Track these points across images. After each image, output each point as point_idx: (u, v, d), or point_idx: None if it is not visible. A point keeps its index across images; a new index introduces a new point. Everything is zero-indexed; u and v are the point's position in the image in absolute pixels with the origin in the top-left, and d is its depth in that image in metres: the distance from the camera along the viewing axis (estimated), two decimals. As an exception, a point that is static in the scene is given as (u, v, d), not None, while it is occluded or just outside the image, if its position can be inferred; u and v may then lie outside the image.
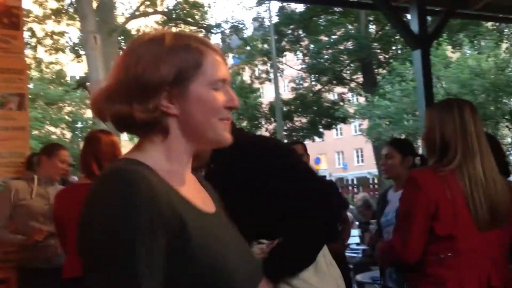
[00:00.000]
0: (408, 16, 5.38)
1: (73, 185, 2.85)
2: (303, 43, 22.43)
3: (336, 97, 23.32)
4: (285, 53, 23.11)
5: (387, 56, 21.30)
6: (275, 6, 21.91)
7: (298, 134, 21.44)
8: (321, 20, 22.20)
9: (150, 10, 20.98)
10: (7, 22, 3.58)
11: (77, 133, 20.63)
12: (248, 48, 22.82)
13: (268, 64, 22.28)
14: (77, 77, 23.22)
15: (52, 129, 19.79)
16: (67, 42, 22.99)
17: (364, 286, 5.54)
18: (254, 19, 24.32)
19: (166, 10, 21.04)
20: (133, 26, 23.11)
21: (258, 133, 19.35)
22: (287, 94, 24.39)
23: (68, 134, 20.89)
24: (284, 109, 21.07)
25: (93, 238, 0.95)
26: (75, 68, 23.94)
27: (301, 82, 22.87)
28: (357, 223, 6.65)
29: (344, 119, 20.97)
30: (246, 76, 24.48)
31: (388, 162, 3.28)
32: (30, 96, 17.71)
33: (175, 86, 1.05)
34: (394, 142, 3.45)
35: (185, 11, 21.44)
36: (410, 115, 15.64)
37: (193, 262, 1.00)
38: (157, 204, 0.96)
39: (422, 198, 2.00)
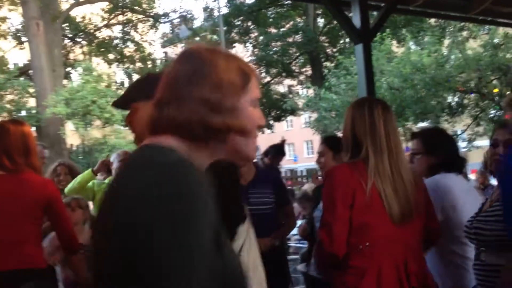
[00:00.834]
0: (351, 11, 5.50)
1: None
2: (252, 35, 22.51)
3: (286, 89, 23.54)
4: (234, 44, 23.11)
5: (334, 49, 21.66)
6: (225, -3, 21.88)
7: (248, 125, 21.49)
8: (270, 13, 22.33)
9: (96, -3, 20.50)
10: None
11: (20, 122, 19.89)
12: (197, 38, 22.65)
13: (217, 55, 22.20)
14: (20, 65, 22.41)
15: (-8, 118, 19.06)
16: (9, 28, 22.17)
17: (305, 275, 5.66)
18: (204, 9, 24.18)
19: (113, -3, 20.60)
20: (78, 13, 22.52)
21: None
22: (236, 85, 24.36)
23: (10, 124, 20.13)
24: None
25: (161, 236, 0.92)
26: (17, 55, 23.11)
27: (250, 74, 22.90)
28: (303, 214, 6.78)
29: (293, 111, 21.20)
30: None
31: (321, 160, 3.37)
32: (-32, 83, 17.02)
33: None
34: (326, 140, 3.53)
35: (132, -1, 21.07)
36: (355, 108, 15.93)
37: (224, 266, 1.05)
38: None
39: (340, 189, 2.09)
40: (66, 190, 4.02)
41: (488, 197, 2.50)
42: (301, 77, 22.98)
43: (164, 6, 56.66)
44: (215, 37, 22.12)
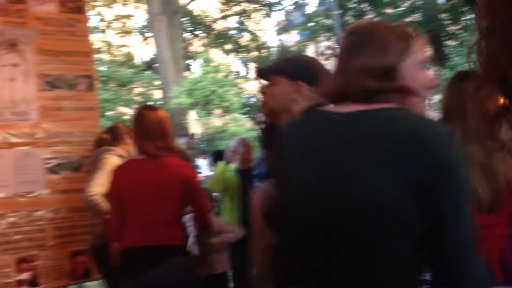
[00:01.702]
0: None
1: (132, 160, 2.98)
2: (368, 17, 21.89)
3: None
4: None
5: (456, 27, 20.42)
6: (339, -21, 21.47)
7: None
8: (386, -8, 21.57)
9: (213, -11, 21.13)
10: (72, 6, 3.77)
11: (147, 113, 21.18)
12: (311, 24, 22.54)
13: (333, 40, 21.96)
14: (145, 59, 23.89)
15: (124, 109, 20.54)
16: (134, 25, 23.67)
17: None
18: (317, -6, 23.96)
19: (228, -11, 21.12)
20: (197, 7, 23.42)
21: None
22: (352, 69, 23.93)
23: (139, 115, 21.52)
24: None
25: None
26: (143, 50, 24.64)
27: (366, 57, 22.36)
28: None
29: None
30: (310, 52, 24.25)
31: None
32: (103, 78, 18.44)
33: None
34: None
35: (247, -11, 21.44)
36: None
37: None
38: None
39: None
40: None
41: None
42: (421, 58, 21.95)
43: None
44: (329, 21, 21.87)
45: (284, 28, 25.95)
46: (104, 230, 3.45)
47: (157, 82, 20.57)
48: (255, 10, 23.77)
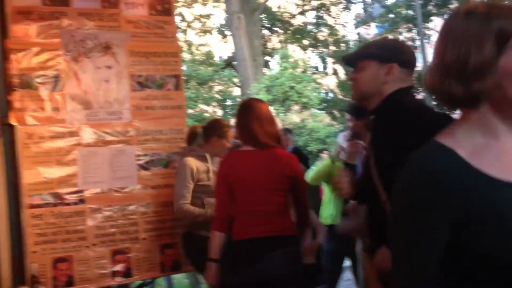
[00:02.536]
0: None
1: (240, 151, 2.98)
2: (451, 6, 21.01)
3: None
4: (431, 18, 21.87)
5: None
6: (420, -32, 20.77)
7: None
8: (471, -21, 20.60)
9: (291, -15, 21.12)
10: (161, 9, 3.91)
11: (227, 110, 21.66)
12: (391, 15, 21.97)
13: (414, 31, 21.28)
14: (225, 57, 24.34)
15: (204, 107, 21.05)
16: (213, 24, 24.17)
17: None
18: (398, -15, 23.31)
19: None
20: (274, 3, 23.51)
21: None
22: (435, 61, 23.08)
23: (219, 112, 22.05)
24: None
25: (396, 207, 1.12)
26: (222, 49, 25.10)
27: (450, 48, 21.49)
28: None
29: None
30: (390, 45, 23.64)
31: None
32: (184, 77, 18.95)
33: None
34: None
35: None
36: None
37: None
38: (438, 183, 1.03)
39: None
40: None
41: None
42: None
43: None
44: (410, 12, 21.22)
45: (362, 21, 25.49)
46: (194, 221, 3.57)
47: (236, 80, 20.90)
48: (333, 4, 23.50)
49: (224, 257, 2.87)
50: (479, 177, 1.04)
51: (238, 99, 19.97)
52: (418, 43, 20.28)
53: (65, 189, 3.52)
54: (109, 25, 3.73)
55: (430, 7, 21.10)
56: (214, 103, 21.53)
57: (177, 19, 21.25)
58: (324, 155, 8.29)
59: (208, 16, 23.53)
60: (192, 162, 3.60)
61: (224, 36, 24.00)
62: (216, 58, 23.90)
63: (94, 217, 3.58)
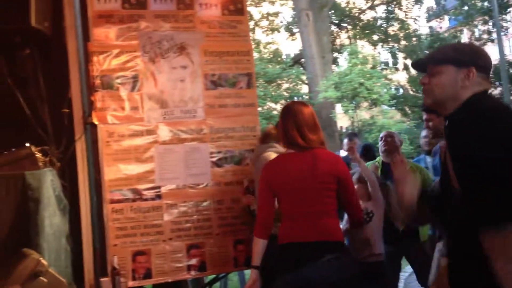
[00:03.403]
0: None
1: (282, 155, 3.01)
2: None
3: None
4: (509, 9, 20.84)
5: None
6: (497, -43, 19.82)
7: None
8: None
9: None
10: (233, 9, 3.98)
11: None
12: (465, 8, 21.14)
13: (490, 23, 20.36)
14: (292, 55, 24.31)
15: (272, 105, 21.14)
16: (281, 22, 24.20)
17: None
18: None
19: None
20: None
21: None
22: (513, 54, 22.03)
23: (287, 110, 21.98)
24: (511, 71, 19.11)
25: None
26: (289, 46, 25.10)
27: (530, 40, 20.43)
28: None
29: None
30: (465, 38, 22.76)
31: None
32: (252, 76, 19.10)
33: None
34: None
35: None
36: None
37: None
38: None
39: None
40: None
41: None
42: None
43: (427, -22, 54.47)
44: (485, 3, 20.33)
45: (435, 14, 24.67)
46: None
47: (304, 77, 20.83)
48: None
49: (271, 261, 2.86)
50: None
51: (306, 97, 19.90)
52: (494, 35, 19.39)
53: (143, 185, 3.66)
54: (184, 26, 3.84)
55: (508, -2, 20.13)
56: (282, 101, 21.56)
57: (245, 18, 21.51)
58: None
59: (276, 14, 23.59)
60: (273, 156, 3.63)
61: (292, 34, 23.98)
62: (284, 56, 23.92)
63: (170, 212, 3.70)
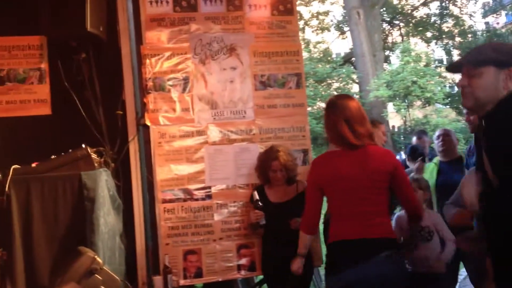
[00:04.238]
0: None
1: (330, 153, 2.93)
2: None
3: None
4: None
5: None
6: None
7: None
8: None
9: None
10: (283, 9, 3.98)
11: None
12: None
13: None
14: (342, 54, 24.06)
15: (322, 105, 20.98)
16: (331, 21, 24.00)
17: None
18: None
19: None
20: (395, -4, 22.81)
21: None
22: None
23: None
24: None
25: None
26: (339, 45, 24.84)
27: None
28: None
29: None
30: (524, 33, 21.87)
31: None
32: (302, 76, 19.04)
33: None
34: None
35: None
36: None
37: None
38: None
39: None
40: None
41: None
42: None
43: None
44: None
45: (491, 10, 23.82)
46: None
47: (354, 76, 20.57)
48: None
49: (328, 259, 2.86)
50: None
51: (357, 96, 19.64)
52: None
53: (194, 185, 3.72)
54: (234, 28, 3.87)
55: None
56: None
57: (295, 17, 21.47)
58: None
59: (326, 13, 23.41)
60: None
61: (342, 32, 23.73)
62: (334, 55, 23.70)
63: (220, 212, 3.74)
